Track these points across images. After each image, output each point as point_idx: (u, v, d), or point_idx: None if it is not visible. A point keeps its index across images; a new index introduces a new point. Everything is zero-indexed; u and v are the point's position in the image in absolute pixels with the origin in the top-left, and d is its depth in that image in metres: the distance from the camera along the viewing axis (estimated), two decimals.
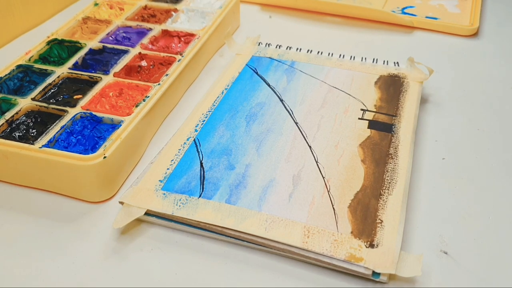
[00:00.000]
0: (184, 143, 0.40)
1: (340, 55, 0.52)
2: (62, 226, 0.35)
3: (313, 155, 0.39)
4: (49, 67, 0.46)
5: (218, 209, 0.34)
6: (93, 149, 0.38)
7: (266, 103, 0.45)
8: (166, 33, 0.53)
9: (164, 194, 0.36)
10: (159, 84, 0.44)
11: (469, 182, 0.39)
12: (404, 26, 0.61)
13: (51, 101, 0.42)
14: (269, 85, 0.47)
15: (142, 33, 0.53)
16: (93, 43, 0.50)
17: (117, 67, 0.46)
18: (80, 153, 0.36)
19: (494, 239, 0.34)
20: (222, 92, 0.46)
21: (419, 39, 0.59)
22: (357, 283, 0.31)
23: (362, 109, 0.44)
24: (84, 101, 0.42)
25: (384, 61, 0.51)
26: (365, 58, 0.51)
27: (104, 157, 0.36)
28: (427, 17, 0.61)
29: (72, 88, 0.44)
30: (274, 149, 0.40)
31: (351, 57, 0.52)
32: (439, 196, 0.38)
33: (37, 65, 0.46)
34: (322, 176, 0.37)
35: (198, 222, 0.34)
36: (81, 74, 0.45)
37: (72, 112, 0.41)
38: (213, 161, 0.39)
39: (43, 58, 0.48)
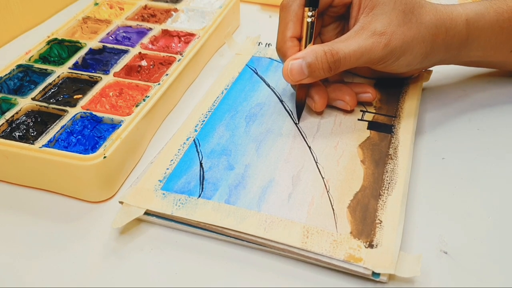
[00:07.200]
0: (184, 143, 0.40)
1: None
2: (62, 226, 0.36)
3: (313, 155, 0.39)
4: (49, 67, 0.46)
5: (218, 209, 0.34)
6: (93, 149, 0.38)
7: (265, 103, 0.45)
8: (166, 32, 0.53)
9: (163, 194, 0.36)
10: (159, 84, 0.44)
11: (469, 182, 0.39)
12: None
13: (51, 101, 0.42)
14: (268, 86, 0.47)
15: (142, 32, 0.53)
16: (93, 43, 0.50)
17: (117, 67, 0.46)
18: (80, 153, 0.36)
19: (494, 239, 0.34)
20: (222, 92, 0.46)
21: None
22: (357, 283, 0.31)
23: (361, 110, 0.44)
24: (84, 101, 0.42)
25: None
26: None
27: (104, 157, 0.36)
28: None
29: (72, 88, 0.44)
30: (273, 150, 0.40)
31: None
32: (439, 196, 0.38)
33: (37, 65, 0.46)
34: (322, 176, 0.37)
35: (198, 222, 0.34)
36: (81, 74, 0.45)
37: (72, 112, 0.41)
38: (212, 161, 0.39)
39: (43, 57, 0.48)
